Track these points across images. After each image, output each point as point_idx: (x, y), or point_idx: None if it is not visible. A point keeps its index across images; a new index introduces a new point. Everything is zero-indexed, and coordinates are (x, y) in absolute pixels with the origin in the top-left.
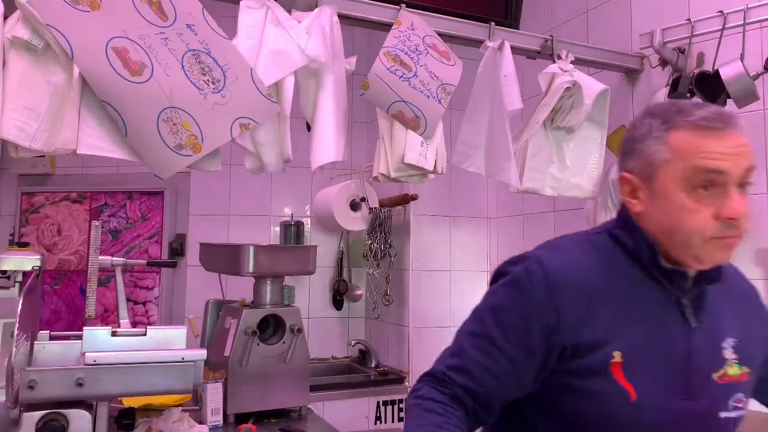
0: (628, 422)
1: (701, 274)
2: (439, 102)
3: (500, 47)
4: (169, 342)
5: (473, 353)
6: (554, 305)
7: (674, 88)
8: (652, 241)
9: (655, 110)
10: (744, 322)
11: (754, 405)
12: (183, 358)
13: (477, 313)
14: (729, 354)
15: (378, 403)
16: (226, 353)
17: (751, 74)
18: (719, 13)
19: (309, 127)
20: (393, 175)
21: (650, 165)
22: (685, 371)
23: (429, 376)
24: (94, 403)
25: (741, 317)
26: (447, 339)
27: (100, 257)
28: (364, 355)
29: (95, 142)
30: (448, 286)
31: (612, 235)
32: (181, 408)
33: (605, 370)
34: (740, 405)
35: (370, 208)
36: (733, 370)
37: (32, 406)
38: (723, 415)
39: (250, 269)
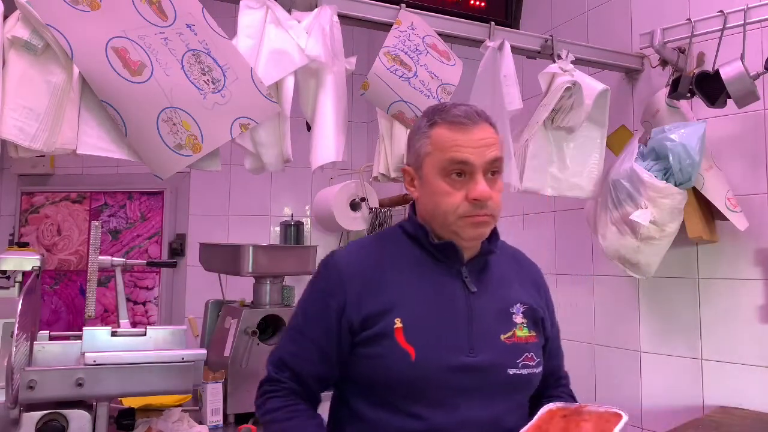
0: (412, 380)
1: (482, 247)
2: (439, 102)
3: (500, 47)
4: (169, 342)
5: (287, 345)
6: (343, 284)
7: (674, 88)
8: (423, 225)
9: (426, 111)
10: (533, 296)
11: (753, 405)
12: (183, 358)
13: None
14: (519, 318)
15: None
16: (226, 353)
17: (751, 74)
18: (719, 13)
19: (309, 127)
20: (393, 175)
21: (419, 157)
22: (468, 331)
23: (265, 384)
24: (94, 403)
25: (530, 291)
26: None
27: (100, 257)
28: None
29: (95, 142)
30: None
31: (400, 226)
32: (181, 408)
33: (388, 335)
34: (531, 363)
35: (370, 208)
36: (522, 332)
37: (32, 406)
38: (511, 371)
39: (250, 269)
